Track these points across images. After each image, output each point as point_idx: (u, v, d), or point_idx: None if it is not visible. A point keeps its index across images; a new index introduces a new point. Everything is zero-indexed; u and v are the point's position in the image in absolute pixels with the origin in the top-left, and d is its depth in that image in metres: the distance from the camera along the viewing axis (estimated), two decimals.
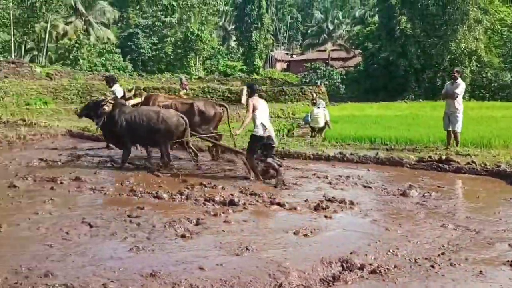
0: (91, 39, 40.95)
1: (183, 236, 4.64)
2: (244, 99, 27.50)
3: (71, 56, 37.21)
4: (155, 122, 7.99)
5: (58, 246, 4.31)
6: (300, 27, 73.23)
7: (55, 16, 38.94)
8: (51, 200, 6.00)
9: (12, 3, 33.30)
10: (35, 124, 13.77)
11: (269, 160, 7.38)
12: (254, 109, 7.41)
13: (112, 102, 8.48)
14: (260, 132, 7.31)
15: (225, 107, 9.86)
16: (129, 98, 9.55)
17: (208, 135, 9.07)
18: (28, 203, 5.91)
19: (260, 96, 8.57)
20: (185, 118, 8.30)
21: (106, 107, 8.25)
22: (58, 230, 4.78)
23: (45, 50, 38.78)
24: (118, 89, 9.99)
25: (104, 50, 39.83)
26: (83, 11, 43.49)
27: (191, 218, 5.21)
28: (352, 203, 5.92)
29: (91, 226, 4.93)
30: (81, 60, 36.44)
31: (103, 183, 7.08)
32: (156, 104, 9.19)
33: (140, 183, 6.99)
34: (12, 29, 33.63)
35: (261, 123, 7.31)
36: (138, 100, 9.76)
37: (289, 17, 69.33)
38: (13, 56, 32.89)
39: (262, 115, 7.46)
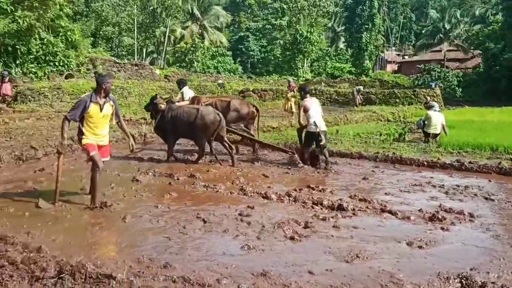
0: (205, 42, 43.08)
1: (292, 238, 4.67)
2: (357, 100, 27.03)
3: (186, 59, 39.44)
4: (194, 118, 8.71)
5: (176, 239, 4.58)
6: (413, 27, 70.05)
7: (173, 21, 41.60)
8: (169, 194, 6.40)
9: (136, 10, 36.14)
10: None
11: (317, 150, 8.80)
12: (306, 110, 8.72)
13: (164, 100, 9.44)
14: (312, 129, 8.60)
15: (257, 108, 10.90)
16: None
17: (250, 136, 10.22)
18: (148, 197, 6.37)
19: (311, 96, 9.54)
20: (221, 115, 9.00)
21: (162, 105, 9.16)
22: (176, 223, 5.08)
23: (163, 53, 41.57)
24: (186, 91, 11.18)
25: (217, 53, 41.65)
26: (199, 16, 45.92)
27: (300, 220, 5.23)
28: (471, 215, 5.52)
29: (204, 222, 5.16)
30: (195, 63, 38.47)
31: (215, 181, 7.37)
32: (200, 103, 10.15)
33: (249, 183, 7.17)
34: (135, 34, 36.52)
35: (314, 121, 8.56)
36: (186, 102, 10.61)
37: (402, 16, 66.59)
38: (136, 59, 35.69)
39: (315, 114, 8.71)
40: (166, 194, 6.41)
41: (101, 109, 5.69)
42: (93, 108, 5.62)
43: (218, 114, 8.91)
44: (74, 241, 4.50)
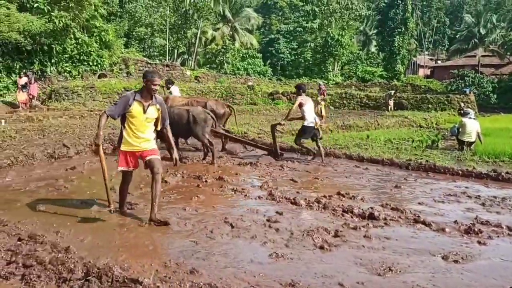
0: (235, 44, 43.18)
1: (321, 247, 4.54)
2: (391, 105, 26.53)
3: (217, 60, 39.60)
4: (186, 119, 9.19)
5: (203, 244, 4.51)
6: (447, 31, 68.53)
7: (205, 23, 41.88)
8: (197, 197, 6.35)
9: (169, 11, 36.52)
10: None
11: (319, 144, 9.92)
12: (302, 105, 9.64)
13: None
14: (311, 124, 9.69)
15: (232, 108, 11.77)
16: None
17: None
18: (177, 199, 6.34)
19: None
20: (211, 114, 9.56)
21: None
22: (203, 228, 5.01)
23: (194, 54, 41.86)
24: (174, 90, 12.35)
25: (247, 55, 41.67)
26: (230, 17, 46.09)
27: (329, 229, 5.09)
28: (510, 229, 5.25)
29: (232, 227, 5.08)
30: (225, 64, 38.58)
31: (244, 185, 7.29)
32: (173, 104, 10.53)
33: (278, 188, 7.06)
34: (167, 35, 36.90)
35: (313, 117, 9.74)
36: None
37: (436, 21, 65.24)
38: (167, 60, 36.05)
39: (310, 111, 9.76)
40: (194, 197, 6.37)
41: (144, 111, 5.06)
42: (135, 108, 5.02)
43: (208, 113, 9.47)
44: (102, 242, 4.48)
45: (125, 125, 5.13)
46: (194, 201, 6.19)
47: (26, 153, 8.87)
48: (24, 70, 20.57)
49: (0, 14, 18.65)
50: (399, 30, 42.18)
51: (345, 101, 29.72)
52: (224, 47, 39.96)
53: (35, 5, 20.76)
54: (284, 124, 10.86)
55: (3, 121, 14.98)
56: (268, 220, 5.33)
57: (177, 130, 9.01)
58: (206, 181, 7.40)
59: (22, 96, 19.12)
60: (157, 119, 5.28)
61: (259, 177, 7.99)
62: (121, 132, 5.23)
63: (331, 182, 7.90)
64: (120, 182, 5.44)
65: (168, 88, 12.67)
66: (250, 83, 31.79)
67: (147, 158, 5.18)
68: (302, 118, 9.81)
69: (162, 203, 6.05)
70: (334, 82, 39.62)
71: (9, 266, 3.72)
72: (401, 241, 4.82)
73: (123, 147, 5.16)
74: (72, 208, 5.70)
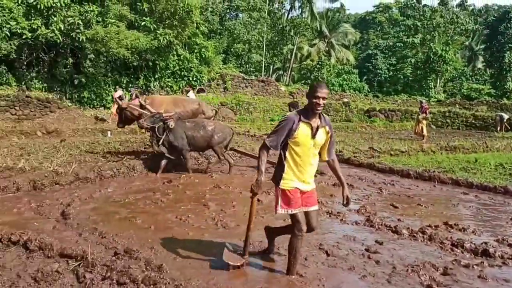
0: (331, 60, 42.76)
1: (429, 286, 4.06)
2: (501, 127, 24.46)
3: (312, 76, 39.47)
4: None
5: (298, 270, 4.24)
6: None
7: (301, 39, 42.02)
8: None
9: (266, 28, 37.16)
10: None
11: None
12: None
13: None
14: None
15: (216, 111, 12.07)
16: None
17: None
18: (269, 219, 6.11)
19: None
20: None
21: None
22: None
23: (289, 70, 42.12)
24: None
25: (342, 71, 41.02)
26: (327, 33, 45.81)
27: (437, 265, 4.57)
28: None
29: (328, 255, 4.77)
30: (320, 80, 38.27)
31: (339, 208, 6.91)
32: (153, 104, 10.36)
33: (377, 213, 6.60)
34: (264, 51, 37.50)
35: None
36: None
37: None
38: (262, 75, 36.60)
39: None
40: (287, 218, 6.11)
41: (313, 135, 3.95)
42: (301, 131, 3.92)
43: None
44: (194, 262, 4.40)
45: (286, 155, 4.03)
46: (287, 223, 5.93)
47: (127, 165, 9.26)
48: (125, 86, 21.95)
49: (111, 32, 20.12)
50: (510, 45, 39.07)
51: (448, 120, 27.94)
52: (320, 62, 39.74)
53: (143, 23, 22.12)
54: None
55: (109, 132, 15.99)
56: (367, 250, 4.93)
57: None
58: None
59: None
60: (324, 146, 4.17)
61: (356, 200, 7.55)
62: (278, 164, 4.14)
63: (436, 209, 7.23)
64: (291, 233, 4.16)
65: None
66: (345, 100, 31.15)
67: (309, 208, 4.16)
68: None
69: (255, 222, 5.88)
70: (436, 99, 37.57)
71: (103, 282, 3.74)
72: None
73: (286, 184, 4.03)
74: (168, 223, 5.74)
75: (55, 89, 21.15)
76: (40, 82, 20.98)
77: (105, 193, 7.42)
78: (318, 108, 3.89)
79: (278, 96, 29.29)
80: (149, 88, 23.80)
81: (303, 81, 40.86)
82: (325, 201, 7.22)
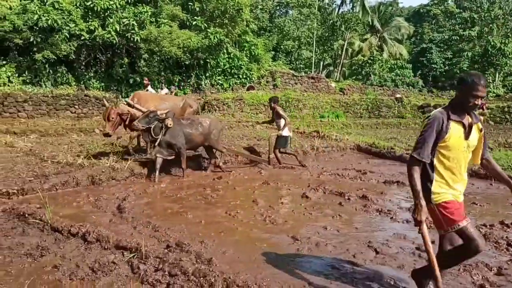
0: (383, 55, 41.81)
1: (481, 286, 3.95)
2: None
3: (363, 72, 38.76)
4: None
5: (344, 270, 4.24)
6: None
7: (352, 34, 41.34)
8: (339, 216, 6.09)
9: (317, 24, 36.85)
10: (326, 136, 14.60)
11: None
12: (281, 116, 10.17)
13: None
14: (288, 134, 10.31)
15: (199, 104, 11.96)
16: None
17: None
18: (317, 216, 6.14)
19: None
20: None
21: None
22: (345, 251, 4.74)
23: (340, 66, 41.56)
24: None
25: (395, 66, 39.99)
26: (379, 28, 44.82)
27: (491, 264, 4.42)
28: None
29: (377, 253, 4.72)
30: (372, 76, 37.53)
31: (390, 205, 6.80)
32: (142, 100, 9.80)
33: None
34: (314, 47, 37.22)
35: (289, 126, 10.27)
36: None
37: None
38: (312, 72, 36.34)
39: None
40: (335, 215, 6.12)
41: (466, 135, 3.34)
42: (453, 133, 3.30)
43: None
44: (242, 256, 4.49)
45: (435, 163, 3.39)
46: (335, 220, 5.94)
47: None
48: (177, 84, 22.44)
49: (164, 32, 20.68)
50: None
51: (507, 116, 26.62)
52: (371, 58, 38.93)
53: (194, 23, 22.56)
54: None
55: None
56: (417, 249, 4.83)
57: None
58: (349, 198, 7.09)
59: None
60: (478, 145, 3.50)
61: (408, 198, 7.40)
62: (423, 176, 3.40)
63: (492, 208, 6.95)
64: (462, 249, 3.40)
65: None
66: (398, 95, 30.35)
67: (464, 224, 3.30)
68: (279, 128, 10.27)
69: (303, 220, 5.93)
70: (494, 94, 35.88)
71: (156, 273, 3.90)
72: None
73: (442, 197, 3.36)
74: (217, 218, 5.88)
75: (112, 88, 22.00)
76: (98, 81, 21.92)
77: (158, 188, 7.69)
78: (473, 109, 3.33)
79: (328, 92, 28.95)
80: (200, 86, 24.25)
81: (354, 77, 40.19)
82: (375, 198, 7.11)
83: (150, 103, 9.71)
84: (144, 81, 12.91)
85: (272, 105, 10.36)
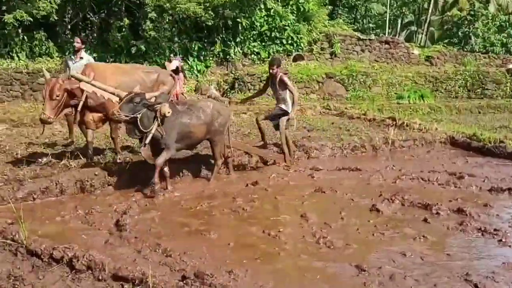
0: (489, 8, 40.74)
1: None
2: None
3: (460, 33, 37.96)
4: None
5: None
6: None
7: None
8: (423, 237, 6.03)
9: None
10: (406, 125, 14.38)
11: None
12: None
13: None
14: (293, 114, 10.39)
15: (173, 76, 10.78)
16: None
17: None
18: (392, 237, 6.10)
19: None
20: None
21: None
22: (432, 286, 4.69)
23: (426, 25, 40.83)
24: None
25: (507, 24, 38.96)
26: None
27: None
28: None
29: None
30: (473, 39, 36.71)
31: (497, 222, 6.67)
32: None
33: None
34: (389, 0, 36.78)
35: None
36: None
37: None
38: (386, 34, 35.90)
39: None
40: (417, 236, 6.06)
41: None
42: None
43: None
44: None
45: None
46: (418, 243, 5.89)
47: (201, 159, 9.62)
48: (197, 54, 22.43)
49: None
50: None
51: None
52: (472, 12, 38.06)
53: None
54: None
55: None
56: None
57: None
58: (437, 213, 7.00)
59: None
60: None
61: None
62: None
63: None
64: None
65: None
66: (510, 66, 29.64)
67: None
68: (279, 101, 10.44)
69: (371, 242, 5.90)
70: None
71: None
72: None
73: None
74: (252, 240, 5.93)
75: (108, 60, 22.24)
76: (89, 51, 22.21)
77: (170, 198, 7.79)
78: None
79: (409, 63, 28.57)
80: (228, 57, 24.19)
81: (446, 41, 39.42)
82: (476, 213, 6.99)
83: (110, 78, 8.91)
84: (76, 43, 11.87)
85: (275, 69, 10.02)
